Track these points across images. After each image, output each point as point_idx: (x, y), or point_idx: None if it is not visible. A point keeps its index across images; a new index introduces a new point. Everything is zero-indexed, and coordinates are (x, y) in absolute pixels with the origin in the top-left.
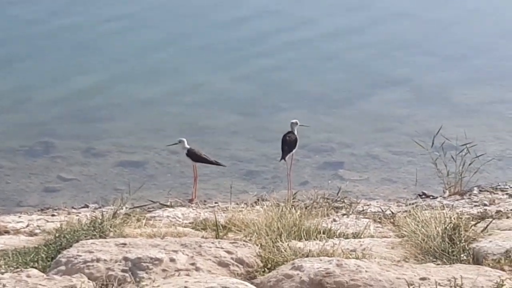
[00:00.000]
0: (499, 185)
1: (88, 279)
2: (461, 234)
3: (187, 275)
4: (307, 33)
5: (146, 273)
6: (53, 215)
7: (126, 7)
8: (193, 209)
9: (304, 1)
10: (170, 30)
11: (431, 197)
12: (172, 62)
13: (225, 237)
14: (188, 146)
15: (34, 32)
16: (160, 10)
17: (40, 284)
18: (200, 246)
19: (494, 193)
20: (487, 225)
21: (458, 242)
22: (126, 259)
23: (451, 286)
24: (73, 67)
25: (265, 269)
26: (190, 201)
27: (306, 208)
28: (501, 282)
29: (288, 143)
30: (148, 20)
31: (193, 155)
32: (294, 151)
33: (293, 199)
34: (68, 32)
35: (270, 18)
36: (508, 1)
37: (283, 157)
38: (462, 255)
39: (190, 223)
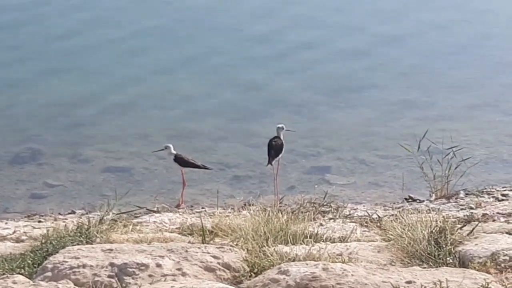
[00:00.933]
0: (485, 188)
1: (75, 285)
2: (447, 238)
3: (174, 280)
4: (291, 39)
5: (133, 278)
6: (39, 222)
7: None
8: (180, 215)
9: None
10: (157, 38)
11: (417, 200)
12: (157, 67)
13: (211, 242)
14: (174, 152)
15: (21, 37)
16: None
17: None
18: (186, 251)
19: (481, 196)
20: (473, 228)
21: (444, 246)
22: (112, 264)
23: None
24: (59, 73)
25: (252, 273)
26: (177, 206)
27: (292, 212)
28: (486, 285)
29: (275, 148)
30: (134, 26)
31: (180, 160)
32: (280, 155)
33: (280, 203)
34: (56, 38)
35: (258, 22)
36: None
37: (269, 162)
38: (448, 259)
39: (176, 228)
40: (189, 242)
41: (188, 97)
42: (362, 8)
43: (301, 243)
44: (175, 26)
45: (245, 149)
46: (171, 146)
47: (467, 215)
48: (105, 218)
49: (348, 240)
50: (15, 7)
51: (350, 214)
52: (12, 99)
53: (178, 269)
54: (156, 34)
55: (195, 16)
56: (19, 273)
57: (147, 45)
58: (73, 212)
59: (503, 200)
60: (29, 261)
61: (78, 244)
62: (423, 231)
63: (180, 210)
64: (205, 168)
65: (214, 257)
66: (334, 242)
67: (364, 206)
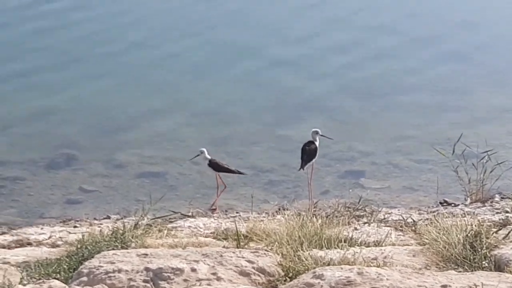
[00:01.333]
0: None
1: None
2: (483, 241)
3: (208, 284)
4: (323, 42)
5: (168, 283)
6: (75, 227)
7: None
8: (214, 219)
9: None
10: (191, 42)
11: (452, 204)
12: (192, 71)
13: (246, 246)
14: (209, 157)
15: (55, 42)
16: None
17: None
18: (221, 255)
19: None
20: (509, 232)
21: (479, 249)
22: (147, 269)
23: None
24: (95, 78)
25: (286, 278)
26: (213, 211)
27: (327, 217)
28: None
29: (308, 153)
30: (166, 30)
31: (215, 165)
32: (314, 160)
33: (314, 208)
34: (90, 42)
35: (292, 24)
36: None
37: (302, 167)
38: (483, 262)
39: (211, 233)
40: (223, 246)
41: (222, 102)
42: (393, 9)
43: (335, 248)
44: (207, 30)
45: (279, 154)
46: (205, 150)
47: (502, 219)
48: (140, 223)
49: (383, 245)
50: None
51: (384, 218)
52: (47, 104)
53: (213, 274)
54: (190, 38)
55: (228, 18)
56: (55, 278)
57: (181, 50)
58: (108, 217)
59: None
60: (65, 266)
61: (113, 249)
62: (458, 235)
63: (215, 215)
64: (239, 173)
65: (249, 261)
66: (368, 246)
67: (398, 210)
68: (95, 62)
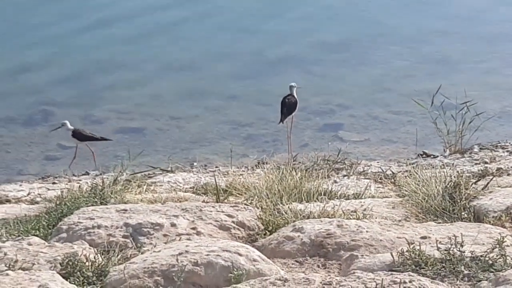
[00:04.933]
0: (499, 143)
1: (90, 245)
2: (462, 192)
3: (188, 239)
4: None
5: (147, 238)
6: (54, 183)
7: None
8: (193, 174)
9: None
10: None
11: (431, 156)
12: (165, 29)
13: (226, 201)
14: (72, 127)
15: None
16: None
17: (41, 252)
18: (200, 210)
19: (495, 151)
20: (488, 183)
21: (458, 200)
22: (127, 225)
23: (451, 244)
24: (71, 34)
25: (266, 231)
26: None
27: (306, 170)
28: (501, 239)
29: (288, 106)
30: None
31: (79, 135)
32: (294, 113)
33: (293, 161)
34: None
35: None
36: None
37: (281, 120)
38: (463, 213)
39: (190, 188)
40: (203, 201)
41: (198, 57)
42: None
43: (315, 201)
44: None
45: (257, 108)
46: (67, 122)
47: (481, 170)
48: (119, 178)
49: (362, 197)
50: None
51: (364, 171)
52: (23, 61)
53: (193, 228)
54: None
55: None
56: (34, 235)
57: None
58: (87, 173)
59: None
60: (44, 223)
61: (92, 205)
62: (438, 187)
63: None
64: (104, 139)
65: (229, 215)
66: (348, 199)
67: (378, 162)
68: (73, 17)
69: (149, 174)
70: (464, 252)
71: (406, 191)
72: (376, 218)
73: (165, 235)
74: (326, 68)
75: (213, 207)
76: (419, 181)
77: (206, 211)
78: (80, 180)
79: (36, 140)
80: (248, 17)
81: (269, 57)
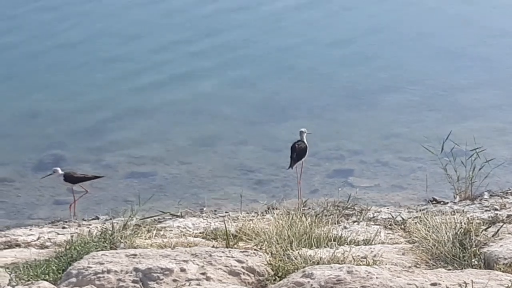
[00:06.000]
0: (509, 189)
1: None
2: (472, 239)
3: (198, 284)
4: (303, 39)
5: (157, 283)
6: (63, 228)
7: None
8: (203, 219)
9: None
10: (170, 38)
11: (441, 202)
12: (179, 72)
13: (235, 246)
14: (62, 172)
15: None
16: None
17: None
18: (210, 255)
19: (505, 198)
20: (498, 230)
21: (469, 247)
22: (136, 270)
23: None
24: (81, 80)
25: (276, 277)
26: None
27: (316, 216)
28: None
29: (298, 151)
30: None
31: (71, 178)
32: (304, 159)
33: (303, 207)
34: (74, 47)
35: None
36: None
37: (291, 165)
38: (473, 260)
39: (200, 233)
40: (213, 246)
41: (209, 101)
42: (378, 9)
43: (325, 246)
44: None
45: (267, 153)
46: (58, 168)
47: (491, 217)
48: (128, 223)
49: (372, 243)
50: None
51: (374, 217)
52: (35, 105)
53: (202, 274)
54: (176, 36)
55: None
56: (44, 279)
57: (169, 50)
58: (97, 218)
59: None
60: (54, 267)
61: (102, 250)
62: (448, 233)
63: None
64: (97, 177)
65: (238, 261)
66: (358, 244)
67: (388, 208)
68: (82, 65)
69: (159, 219)
70: None
71: (416, 237)
72: (386, 264)
73: (174, 280)
74: (335, 113)
75: (222, 252)
76: (429, 227)
77: (215, 256)
78: (90, 224)
79: (46, 184)
80: (259, 61)
81: (280, 102)
